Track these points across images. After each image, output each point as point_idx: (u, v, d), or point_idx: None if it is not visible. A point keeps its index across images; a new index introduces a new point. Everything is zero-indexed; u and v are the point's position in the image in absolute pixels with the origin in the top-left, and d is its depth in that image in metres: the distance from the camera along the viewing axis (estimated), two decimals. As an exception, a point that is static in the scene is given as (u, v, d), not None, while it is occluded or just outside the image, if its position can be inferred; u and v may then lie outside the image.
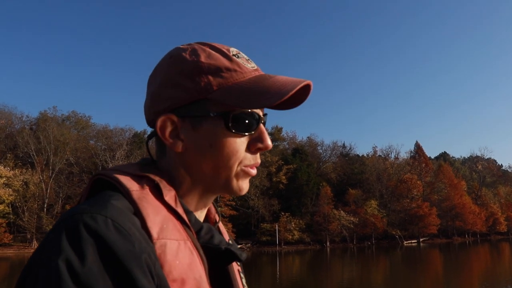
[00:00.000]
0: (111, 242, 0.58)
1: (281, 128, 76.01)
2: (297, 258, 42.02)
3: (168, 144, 0.80)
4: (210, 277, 0.77)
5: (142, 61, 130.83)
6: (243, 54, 0.85)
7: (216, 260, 0.81)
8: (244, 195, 49.57)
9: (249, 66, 0.82)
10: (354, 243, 61.28)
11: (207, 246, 0.78)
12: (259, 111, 0.82)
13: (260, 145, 0.81)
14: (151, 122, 0.84)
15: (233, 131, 0.78)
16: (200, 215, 0.86)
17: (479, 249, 49.05)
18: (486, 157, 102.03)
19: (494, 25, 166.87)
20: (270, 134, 72.49)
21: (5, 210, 47.50)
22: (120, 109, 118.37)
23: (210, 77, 0.78)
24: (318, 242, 59.69)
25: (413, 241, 64.30)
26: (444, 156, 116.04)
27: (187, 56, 0.81)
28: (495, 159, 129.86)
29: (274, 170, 60.93)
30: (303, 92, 0.84)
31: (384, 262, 34.67)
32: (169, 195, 0.75)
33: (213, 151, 0.78)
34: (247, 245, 55.50)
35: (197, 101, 0.78)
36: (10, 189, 47.99)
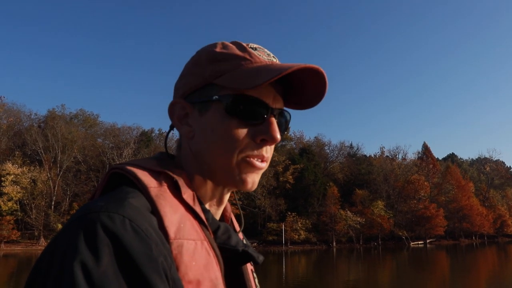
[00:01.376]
0: (128, 244, 0.57)
1: (288, 128, 75.45)
2: (303, 258, 41.93)
3: (178, 128, 0.83)
4: (224, 276, 0.75)
5: (150, 60, 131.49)
6: (264, 49, 0.85)
7: (231, 260, 0.80)
8: (251, 194, 49.40)
9: (265, 57, 0.82)
10: (361, 243, 61.07)
11: (223, 247, 0.77)
12: (270, 102, 0.80)
13: (264, 136, 0.78)
14: None
15: (234, 116, 0.77)
16: (217, 212, 0.85)
17: (486, 251, 48.70)
18: (495, 159, 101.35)
19: (502, 27, 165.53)
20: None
21: (13, 207, 47.91)
22: (128, 108, 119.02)
23: (219, 64, 0.80)
24: (325, 242, 59.56)
25: (419, 242, 63.99)
26: (452, 157, 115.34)
27: (207, 48, 0.84)
28: (503, 161, 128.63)
29: (281, 169, 60.88)
30: (318, 85, 0.82)
31: (391, 263, 34.50)
32: (187, 193, 0.74)
33: (213, 136, 0.78)
34: (253, 245, 55.41)
35: (205, 87, 0.80)
36: (18, 187, 48.39)
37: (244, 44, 0.83)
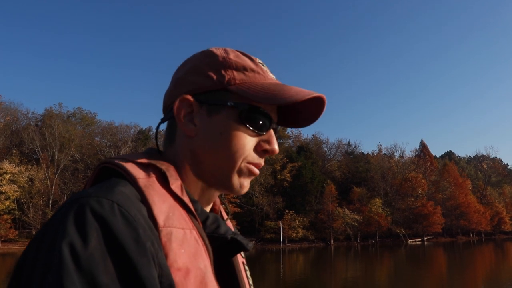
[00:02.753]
0: (116, 228, 0.57)
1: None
2: (301, 255, 41.99)
3: (181, 126, 0.82)
4: (215, 269, 0.76)
5: (148, 58, 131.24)
6: (266, 66, 0.90)
7: (221, 251, 0.82)
8: (249, 193, 49.45)
9: (271, 75, 0.88)
10: (358, 241, 61.22)
11: (213, 236, 0.78)
12: (273, 117, 0.85)
13: (267, 147, 0.83)
14: (167, 106, 0.88)
15: (246, 124, 0.80)
16: (207, 207, 0.87)
17: (484, 249, 48.87)
18: (492, 156, 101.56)
19: (501, 24, 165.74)
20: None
21: (11, 206, 47.77)
22: (126, 106, 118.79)
23: (235, 72, 0.82)
24: (322, 240, 59.68)
25: (417, 239, 64.17)
26: (449, 155, 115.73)
27: (218, 52, 0.86)
28: (500, 158, 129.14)
29: (279, 167, 60.90)
30: (317, 109, 0.88)
31: (388, 261, 34.60)
32: (176, 183, 0.75)
33: (221, 140, 0.80)
34: (251, 243, 55.41)
35: (218, 91, 0.82)
36: (15, 185, 48.24)
37: (253, 58, 0.87)
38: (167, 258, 0.64)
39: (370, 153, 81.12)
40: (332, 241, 59.00)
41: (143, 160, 0.77)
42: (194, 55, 0.89)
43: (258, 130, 0.82)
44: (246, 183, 0.84)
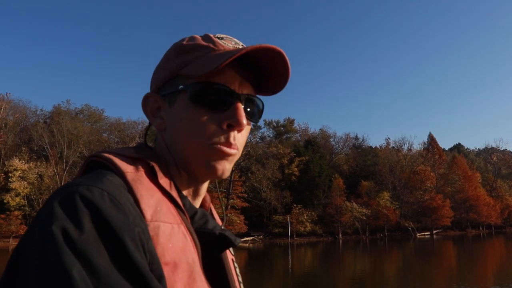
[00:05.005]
0: (106, 213, 0.57)
1: (293, 120, 75.66)
2: (309, 250, 41.99)
3: (151, 121, 0.85)
4: (204, 265, 0.76)
5: (155, 55, 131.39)
6: (233, 38, 0.86)
7: (210, 247, 0.81)
8: (256, 187, 49.50)
9: (230, 46, 0.82)
10: (367, 235, 61.12)
11: (201, 231, 0.78)
12: (236, 88, 0.80)
13: (229, 121, 0.78)
14: None
15: (199, 104, 0.78)
16: (194, 202, 0.85)
17: (494, 242, 48.47)
18: (502, 149, 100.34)
19: (509, 16, 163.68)
20: (282, 126, 73.32)
21: (21, 203, 48.21)
22: (133, 102, 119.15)
23: (185, 55, 0.81)
24: (330, 234, 59.69)
25: (426, 233, 63.84)
26: (458, 147, 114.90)
27: (178, 42, 0.86)
28: (511, 150, 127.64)
29: (286, 162, 60.83)
30: (282, 68, 0.82)
31: (397, 254, 34.47)
32: (164, 178, 0.75)
33: (182, 126, 0.79)
34: (259, 237, 55.65)
35: (173, 79, 0.82)
36: (25, 182, 48.69)
37: (211, 35, 0.84)
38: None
39: (378, 147, 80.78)
40: (340, 235, 58.97)
41: (132, 154, 0.76)
42: None
43: (216, 106, 0.78)
44: (219, 165, 0.79)
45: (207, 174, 0.80)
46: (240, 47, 0.83)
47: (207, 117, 0.78)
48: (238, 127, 0.79)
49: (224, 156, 0.79)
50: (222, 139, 0.78)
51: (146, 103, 0.85)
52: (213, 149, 0.78)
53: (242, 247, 44.42)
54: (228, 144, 0.78)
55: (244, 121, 0.78)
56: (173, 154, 0.81)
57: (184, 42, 0.84)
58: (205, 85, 0.78)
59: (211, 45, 0.81)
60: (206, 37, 0.84)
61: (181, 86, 0.79)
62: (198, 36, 0.85)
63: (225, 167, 0.80)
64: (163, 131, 0.83)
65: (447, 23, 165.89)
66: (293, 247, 45.86)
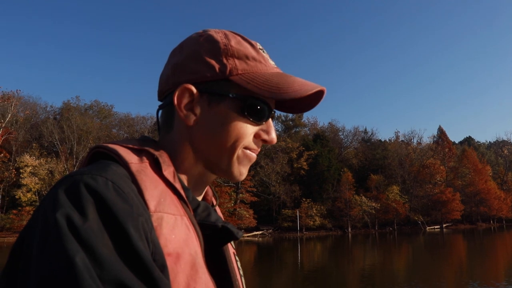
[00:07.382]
0: (110, 202, 0.58)
1: (302, 114, 75.48)
2: (318, 243, 41.99)
3: (181, 115, 0.81)
4: (206, 257, 0.77)
5: (163, 50, 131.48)
6: (266, 52, 0.88)
7: (212, 240, 0.81)
8: (265, 181, 49.52)
9: (271, 62, 0.86)
10: (376, 228, 61.00)
11: (203, 223, 0.78)
12: (272, 105, 0.84)
13: (266, 137, 0.84)
14: (165, 92, 0.86)
15: (247, 116, 0.80)
16: (198, 196, 0.86)
17: (505, 235, 48.06)
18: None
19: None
20: (291, 120, 73.26)
21: (32, 198, 48.71)
22: (142, 98, 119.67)
23: (237, 61, 0.81)
24: (340, 228, 59.62)
25: (436, 226, 63.51)
26: (468, 140, 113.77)
27: (218, 38, 0.83)
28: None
29: (295, 156, 60.83)
30: (315, 99, 0.88)
31: (406, 248, 34.36)
32: (168, 170, 0.75)
33: (222, 130, 0.79)
34: (268, 231, 55.77)
35: (219, 81, 0.80)
36: (36, 178, 49.13)
37: (254, 44, 0.85)
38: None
39: (387, 140, 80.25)
40: (349, 229, 58.91)
41: (136, 146, 0.77)
42: (191, 38, 0.86)
43: (259, 120, 0.82)
44: (244, 170, 0.84)
45: (231, 177, 0.84)
46: (274, 64, 0.87)
47: (248, 128, 0.81)
48: (271, 143, 0.84)
49: (250, 162, 0.85)
50: (255, 147, 0.84)
51: (184, 94, 0.81)
52: (243, 155, 0.82)
53: (251, 241, 44.66)
54: (256, 151, 0.85)
55: (275, 137, 0.85)
56: (195, 151, 0.82)
57: (233, 44, 0.82)
58: (257, 100, 0.81)
59: (262, 60, 0.83)
60: (252, 45, 0.85)
61: (233, 95, 0.80)
62: (241, 40, 0.85)
63: (247, 172, 0.85)
64: (191, 126, 0.81)
65: (458, 16, 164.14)
66: (302, 241, 45.92)
